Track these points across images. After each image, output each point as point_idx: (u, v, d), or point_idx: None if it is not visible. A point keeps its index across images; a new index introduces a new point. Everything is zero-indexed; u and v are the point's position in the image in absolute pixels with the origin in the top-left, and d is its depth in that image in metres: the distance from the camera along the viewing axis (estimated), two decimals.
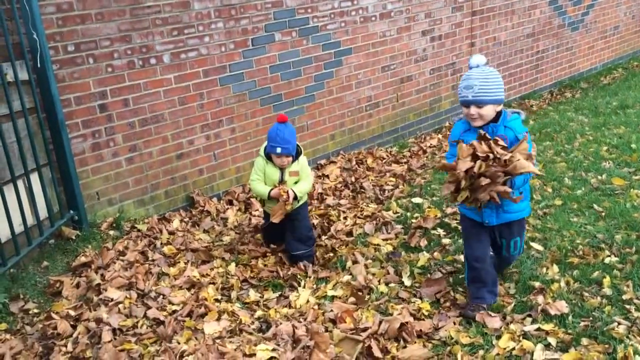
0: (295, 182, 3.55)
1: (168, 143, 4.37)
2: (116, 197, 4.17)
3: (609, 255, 3.40)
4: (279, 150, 3.41)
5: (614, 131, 5.61)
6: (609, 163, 4.82)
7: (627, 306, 2.91)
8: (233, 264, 3.62)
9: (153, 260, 3.60)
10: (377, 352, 2.55)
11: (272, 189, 3.48)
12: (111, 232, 3.93)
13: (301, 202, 3.62)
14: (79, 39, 3.78)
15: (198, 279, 3.39)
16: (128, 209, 4.22)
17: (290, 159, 3.50)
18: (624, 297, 2.99)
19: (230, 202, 4.61)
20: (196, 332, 2.84)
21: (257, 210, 4.43)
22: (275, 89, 4.93)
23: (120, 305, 3.07)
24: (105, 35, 3.89)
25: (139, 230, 4.00)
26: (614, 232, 3.66)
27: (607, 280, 3.14)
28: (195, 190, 4.59)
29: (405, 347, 2.71)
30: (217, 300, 3.22)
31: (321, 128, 5.36)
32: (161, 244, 3.85)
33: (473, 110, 2.76)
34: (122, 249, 3.68)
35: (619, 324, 2.79)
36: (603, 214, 3.93)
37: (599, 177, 4.52)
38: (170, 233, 4.02)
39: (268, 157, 3.53)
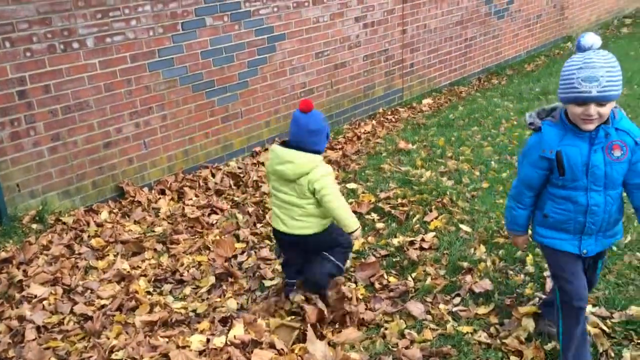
0: None
1: (94, 131, 4.19)
2: (39, 189, 3.97)
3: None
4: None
5: None
6: None
7: (548, 282, 3.07)
8: (165, 255, 3.54)
9: (80, 254, 3.47)
10: (312, 338, 2.57)
11: None
12: (34, 226, 3.74)
13: None
14: None
15: (128, 272, 3.29)
16: (52, 201, 4.02)
17: None
18: (545, 273, 3.15)
19: (162, 192, 4.50)
20: (127, 326, 2.76)
21: (191, 199, 4.34)
22: (207, 75, 4.82)
23: (45, 302, 2.94)
24: (22, 17, 3.67)
25: (64, 223, 3.83)
26: None
27: (529, 259, 3.29)
28: (124, 180, 4.43)
29: (340, 331, 2.74)
30: (148, 292, 3.14)
31: (255, 115, 5.31)
32: (88, 236, 3.71)
33: (593, 109, 2.07)
34: (46, 243, 3.52)
35: (540, 299, 2.94)
36: None
37: None
38: (99, 225, 3.88)
39: None
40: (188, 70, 4.68)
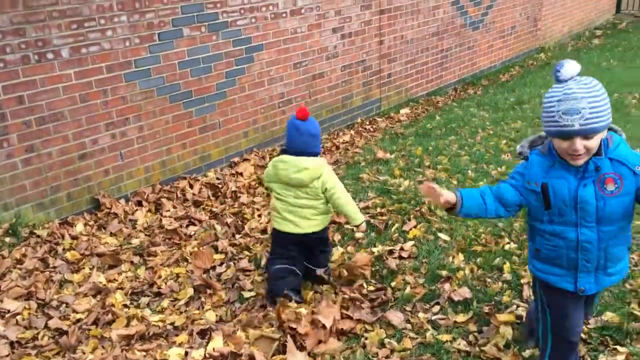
0: None
1: (69, 143, 4.13)
2: (12, 202, 3.89)
3: (509, 243, 3.61)
4: None
5: (512, 125, 5.97)
6: (507, 155, 5.12)
7: (525, 289, 3.11)
8: (143, 268, 3.49)
9: (54, 267, 3.40)
10: (292, 349, 2.55)
11: None
12: (7, 239, 3.66)
13: None
14: None
15: (104, 285, 3.24)
16: (26, 214, 3.95)
17: None
18: (522, 281, 3.19)
19: (139, 203, 4.45)
20: (103, 341, 2.71)
21: (169, 210, 4.30)
22: (184, 85, 4.80)
23: (19, 317, 2.88)
24: None
25: (38, 236, 3.76)
26: (512, 220, 3.89)
27: (507, 266, 3.33)
28: (100, 191, 4.37)
29: (320, 341, 2.73)
30: (125, 306, 3.09)
31: (233, 125, 5.29)
32: (63, 249, 3.64)
33: (579, 144, 1.90)
34: (19, 256, 3.45)
35: (518, 306, 2.98)
36: None
37: (499, 169, 4.79)
38: (74, 238, 3.82)
39: None
40: (165, 81, 4.65)
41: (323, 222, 3.11)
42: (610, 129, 2.02)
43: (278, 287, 3.03)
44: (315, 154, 2.99)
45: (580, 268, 2.09)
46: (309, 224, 3.03)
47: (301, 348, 2.65)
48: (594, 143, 1.91)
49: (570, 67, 1.92)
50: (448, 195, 2.20)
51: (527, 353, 2.61)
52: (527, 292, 3.10)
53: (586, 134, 1.89)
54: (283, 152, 3.02)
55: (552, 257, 2.13)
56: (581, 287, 2.12)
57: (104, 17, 4.16)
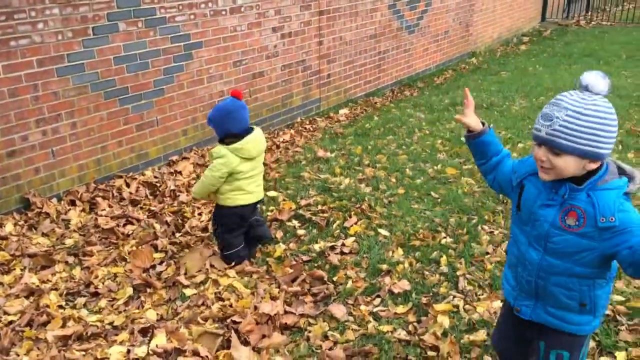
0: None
1: None
2: None
3: (445, 237, 3.75)
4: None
5: (446, 126, 6.18)
6: (443, 154, 5.31)
7: (461, 280, 3.24)
8: (78, 268, 3.38)
9: None
10: (237, 344, 2.55)
11: None
12: None
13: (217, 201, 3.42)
14: None
15: (37, 286, 3.10)
16: None
17: None
18: (458, 273, 3.32)
19: (72, 203, 4.28)
20: (38, 342, 2.61)
21: (104, 210, 4.17)
22: (120, 81, 4.67)
23: None
24: None
25: None
26: (448, 216, 4.04)
27: (444, 259, 3.46)
28: (30, 190, 4.18)
29: (264, 336, 2.74)
30: (60, 307, 2.98)
31: (172, 123, 5.20)
32: None
33: (542, 153, 1.74)
34: None
35: (454, 297, 3.10)
36: (439, 200, 4.31)
37: (435, 168, 4.96)
38: (3, 238, 3.63)
39: None
40: (100, 76, 4.51)
41: None
42: (623, 173, 1.76)
43: (242, 259, 3.44)
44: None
45: (521, 286, 1.96)
46: (261, 188, 3.44)
47: (245, 343, 2.65)
48: (561, 162, 1.71)
49: (588, 77, 1.69)
50: (475, 122, 2.04)
51: (464, 340, 2.73)
52: (463, 283, 3.23)
53: (551, 146, 1.70)
54: (231, 138, 3.20)
55: (510, 264, 2.03)
56: (517, 306, 1.99)
57: (35, 9, 3.99)
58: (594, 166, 1.72)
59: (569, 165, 1.71)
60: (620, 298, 3.02)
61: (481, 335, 2.76)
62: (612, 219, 1.67)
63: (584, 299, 1.84)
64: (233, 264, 3.41)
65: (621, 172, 1.77)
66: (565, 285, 1.84)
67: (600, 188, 1.72)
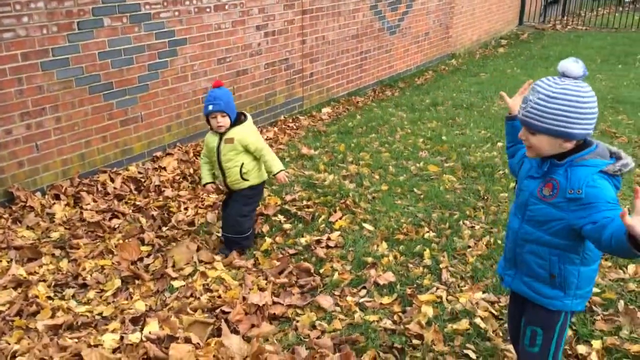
0: (234, 152, 3.42)
1: None
2: None
3: (428, 232, 3.84)
4: (210, 107, 3.34)
5: (428, 125, 6.29)
6: (425, 152, 5.41)
7: (443, 273, 3.33)
8: (65, 260, 3.38)
9: None
10: (227, 333, 2.59)
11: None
12: None
13: (249, 183, 3.47)
14: None
15: (25, 277, 3.11)
16: None
17: (227, 120, 3.41)
18: (441, 265, 3.41)
19: (56, 197, 4.27)
20: (28, 331, 2.62)
21: (89, 204, 4.17)
22: (105, 76, 4.67)
23: None
24: None
25: None
26: (431, 211, 4.13)
27: (427, 253, 3.55)
28: (14, 184, 4.16)
29: (253, 325, 2.79)
30: (49, 297, 2.99)
31: (156, 119, 5.20)
32: None
33: (522, 132, 1.93)
34: None
35: (437, 288, 3.19)
36: (422, 196, 4.41)
37: (418, 165, 5.06)
38: None
39: (209, 123, 3.47)
40: (84, 71, 4.51)
41: None
42: (613, 155, 1.88)
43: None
44: None
45: (506, 254, 2.12)
46: None
47: (235, 332, 2.70)
48: (536, 141, 1.88)
49: (564, 64, 1.84)
50: (515, 106, 2.31)
51: (448, 329, 2.81)
52: (446, 275, 3.32)
53: (526, 125, 1.89)
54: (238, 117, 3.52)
55: (506, 236, 2.17)
56: (502, 275, 2.15)
57: (20, 2, 3.97)
58: (570, 145, 1.86)
59: (543, 143, 1.88)
60: (596, 290, 3.14)
61: (464, 324, 2.85)
62: (579, 192, 1.80)
63: (553, 269, 1.96)
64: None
65: (613, 156, 1.89)
66: (537, 252, 1.98)
67: (577, 164, 1.86)
